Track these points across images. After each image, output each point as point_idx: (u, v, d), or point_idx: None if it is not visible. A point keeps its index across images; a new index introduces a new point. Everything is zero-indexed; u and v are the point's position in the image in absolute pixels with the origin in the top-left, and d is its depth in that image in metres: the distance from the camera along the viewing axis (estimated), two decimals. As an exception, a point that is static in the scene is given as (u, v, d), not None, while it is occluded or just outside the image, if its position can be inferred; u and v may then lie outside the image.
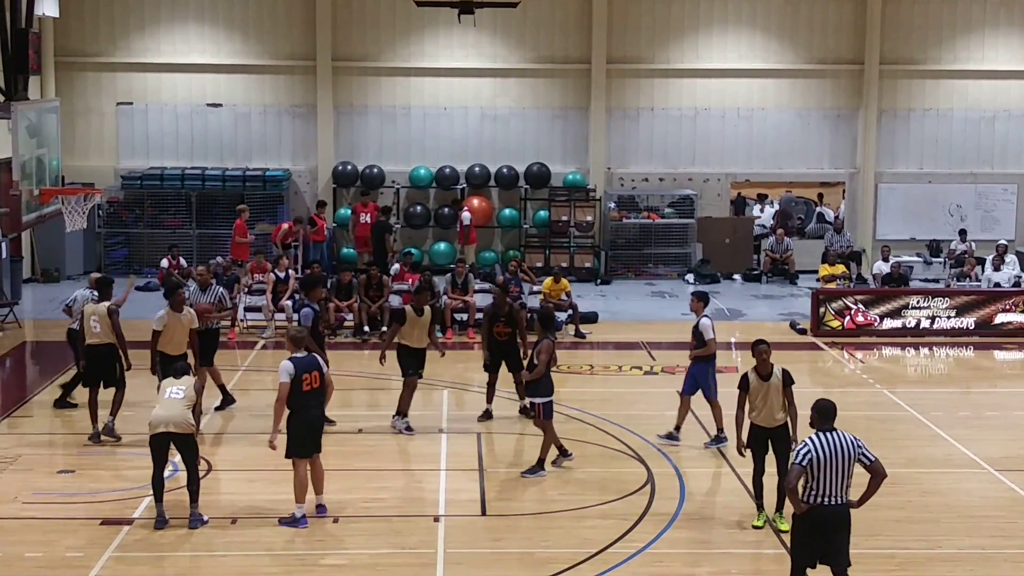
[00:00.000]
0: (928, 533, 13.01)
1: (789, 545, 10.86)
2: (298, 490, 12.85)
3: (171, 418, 12.73)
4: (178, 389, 12.92)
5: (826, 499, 10.14)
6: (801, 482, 10.19)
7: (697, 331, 15.93)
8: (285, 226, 26.64)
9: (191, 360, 15.57)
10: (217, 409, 17.14)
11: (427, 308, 16.71)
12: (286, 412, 12.79)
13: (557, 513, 13.48)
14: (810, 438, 10.28)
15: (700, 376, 15.98)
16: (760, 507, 12.96)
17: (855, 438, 10.30)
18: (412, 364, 16.53)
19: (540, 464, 14.70)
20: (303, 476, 12.86)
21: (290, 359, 12.90)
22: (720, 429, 15.83)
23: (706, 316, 16.09)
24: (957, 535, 13.00)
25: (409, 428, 16.34)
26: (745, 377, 13.02)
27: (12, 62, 20.21)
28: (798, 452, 10.27)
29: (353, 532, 12.82)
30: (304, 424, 12.86)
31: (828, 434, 10.24)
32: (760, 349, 13.10)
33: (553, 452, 14.88)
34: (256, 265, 23.97)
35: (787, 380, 12.88)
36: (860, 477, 10.24)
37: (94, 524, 12.94)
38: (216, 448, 15.41)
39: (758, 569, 12.01)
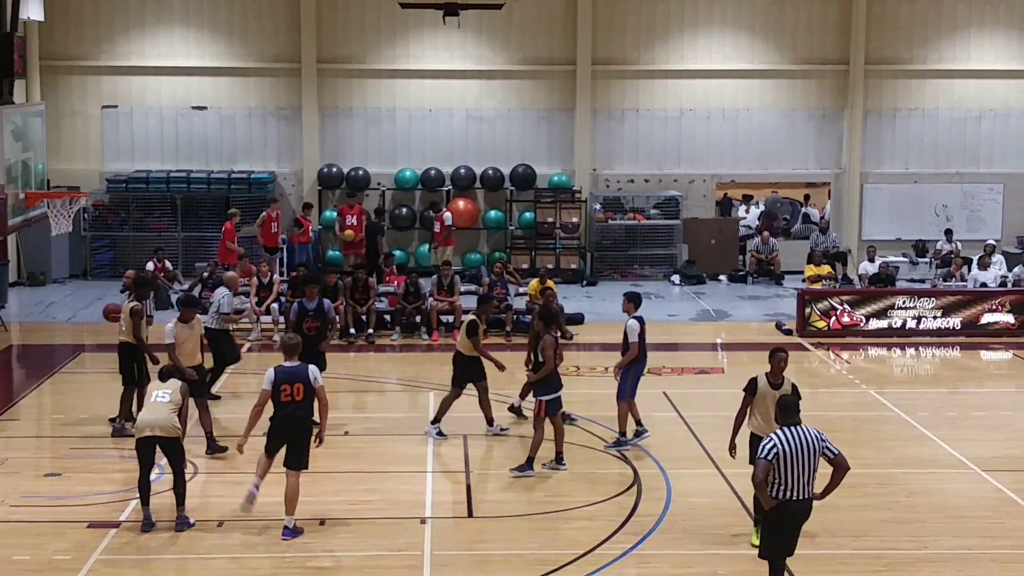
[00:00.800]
0: (915, 533, 13.04)
1: (761, 544, 10.89)
2: (257, 466, 12.83)
3: (156, 422, 12.70)
4: (164, 392, 12.90)
5: (793, 494, 10.28)
6: (768, 478, 10.27)
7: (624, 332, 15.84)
8: (263, 214, 26.47)
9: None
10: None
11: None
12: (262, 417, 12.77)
13: (544, 514, 13.49)
14: (775, 433, 10.44)
15: (623, 377, 15.82)
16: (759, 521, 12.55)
17: (818, 432, 10.44)
18: (469, 374, 16.22)
19: (529, 463, 14.71)
20: (263, 459, 12.79)
21: (274, 367, 12.85)
22: (622, 432, 15.85)
23: (635, 318, 15.93)
24: (944, 535, 13.03)
25: (441, 433, 16.23)
26: (754, 381, 12.74)
27: (-3, 66, 20.20)
28: (764, 447, 10.36)
29: (340, 534, 12.80)
30: (277, 423, 12.66)
31: (793, 429, 10.37)
32: (778, 357, 12.74)
33: (543, 454, 14.86)
34: (241, 269, 23.92)
35: (795, 395, 12.24)
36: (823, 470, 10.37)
37: (81, 527, 12.92)
38: (202, 451, 15.37)
39: (745, 570, 12.01)
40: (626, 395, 15.86)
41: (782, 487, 10.28)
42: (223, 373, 18.21)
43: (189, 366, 15.28)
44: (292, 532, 12.68)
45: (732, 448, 12.87)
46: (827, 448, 10.41)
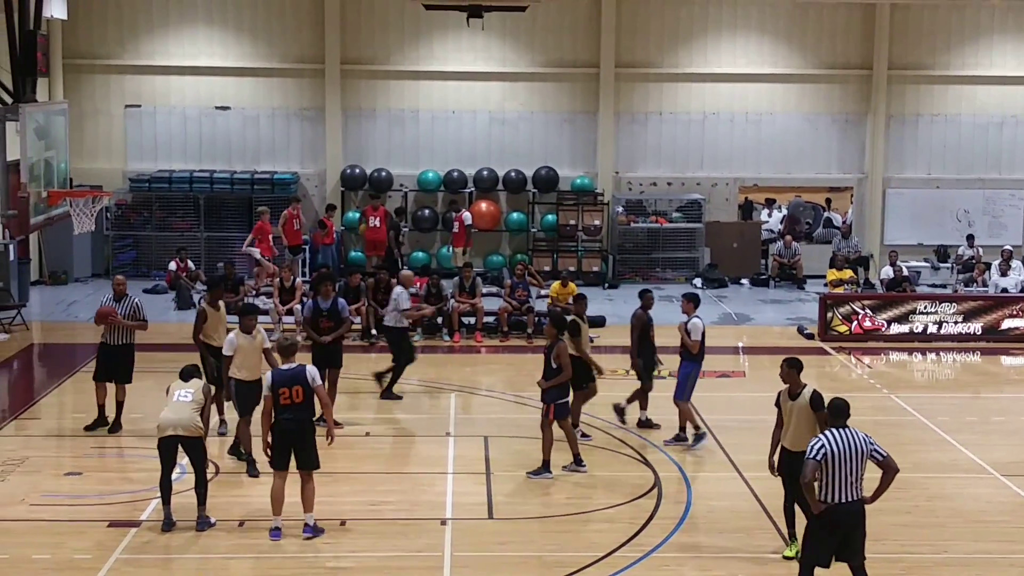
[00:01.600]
0: (934, 538, 13.00)
1: (803, 547, 10.84)
2: (272, 503, 12.69)
3: (179, 421, 12.74)
4: (186, 392, 12.93)
5: (841, 497, 10.24)
6: (816, 481, 10.22)
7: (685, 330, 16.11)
8: (285, 213, 26.54)
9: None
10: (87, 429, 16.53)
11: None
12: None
13: (564, 516, 13.49)
14: (824, 434, 10.40)
15: (681, 376, 16.03)
16: (792, 536, 12.30)
17: (866, 435, 10.43)
18: (579, 375, 15.68)
19: (546, 466, 14.70)
20: (275, 490, 12.68)
21: (272, 371, 12.91)
22: (682, 428, 16.13)
23: (697, 317, 16.23)
24: (963, 540, 12.98)
25: (584, 435, 16.11)
26: (778, 395, 12.45)
27: (20, 64, 20.24)
28: (812, 447, 10.31)
29: (360, 535, 12.82)
30: (277, 435, 12.67)
31: (841, 430, 10.36)
32: (782, 368, 12.43)
33: (561, 456, 14.85)
34: (262, 270, 24.04)
35: (815, 403, 11.98)
36: (870, 475, 10.27)
37: (102, 526, 12.96)
38: (223, 451, 15.40)
39: (766, 573, 11.99)
40: (685, 395, 15.94)
41: (829, 491, 10.26)
42: (401, 373, 18.34)
43: (249, 380, 14.70)
44: (313, 531, 12.71)
45: (772, 466, 12.38)
46: (875, 451, 10.41)
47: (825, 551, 10.47)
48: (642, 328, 16.89)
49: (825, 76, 30.38)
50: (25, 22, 20.28)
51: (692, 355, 16.13)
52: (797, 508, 12.02)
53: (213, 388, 14.03)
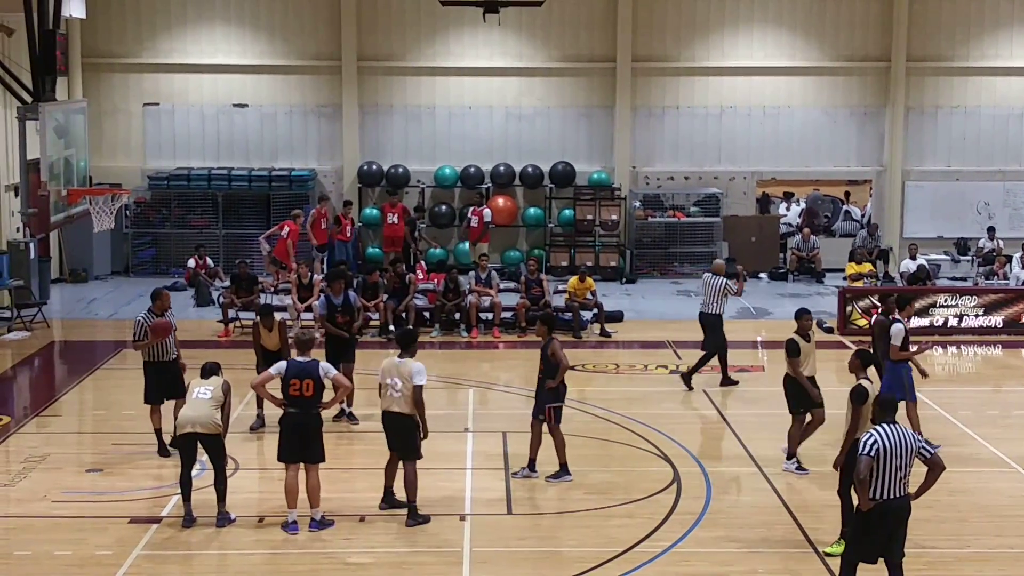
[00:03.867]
0: (956, 532, 12.95)
1: (848, 544, 10.80)
2: (286, 496, 12.77)
3: (198, 418, 12.77)
4: (205, 389, 12.95)
5: (889, 494, 10.26)
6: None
7: (886, 335, 15.24)
8: (313, 212, 26.62)
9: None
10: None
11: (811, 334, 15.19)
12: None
13: (583, 512, 13.48)
14: (875, 428, 10.38)
15: (895, 377, 15.17)
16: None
17: (914, 432, 10.47)
18: (797, 400, 14.86)
19: (564, 468, 14.59)
20: (288, 482, 12.76)
21: (287, 360, 13.03)
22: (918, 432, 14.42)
23: (898, 320, 15.40)
24: (986, 534, 12.93)
25: (801, 468, 14.83)
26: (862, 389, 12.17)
27: (40, 63, 20.35)
28: (865, 442, 10.28)
29: (379, 530, 12.83)
30: (285, 429, 12.79)
31: (891, 426, 10.36)
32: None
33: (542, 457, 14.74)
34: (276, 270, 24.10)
35: (854, 397, 11.95)
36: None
37: (123, 522, 13.00)
38: (243, 447, 15.44)
39: (786, 568, 11.96)
40: (908, 395, 15.28)
41: (878, 487, 10.25)
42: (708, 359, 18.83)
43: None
44: (320, 524, 12.78)
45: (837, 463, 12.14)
46: (923, 447, 10.41)
47: (872, 548, 10.46)
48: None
49: (843, 68, 30.27)
50: (44, 22, 20.39)
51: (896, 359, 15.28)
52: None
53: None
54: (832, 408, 18.09)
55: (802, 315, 15.21)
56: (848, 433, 11.92)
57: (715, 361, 20.85)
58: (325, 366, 12.97)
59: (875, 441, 10.24)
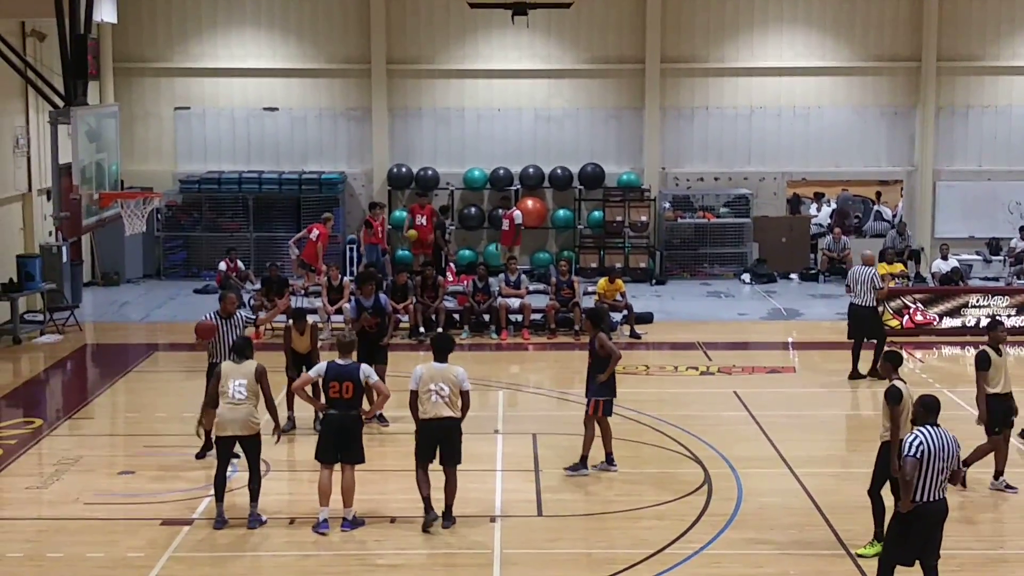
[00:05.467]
0: (989, 534, 12.88)
1: (885, 547, 10.76)
2: (319, 494, 12.85)
3: (237, 419, 12.83)
4: (241, 385, 12.87)
5: (929, 496, 10.21)
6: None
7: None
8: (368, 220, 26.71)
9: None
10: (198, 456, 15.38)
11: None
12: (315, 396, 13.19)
13: (613, 513, 13.46)
14: (920, 430, 10.34)
15: None
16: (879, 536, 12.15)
17: (954, 436, 10.44)
18: (997, 416, 14.12)
19: (583, 462, 14.67)
20: (322, 481, 12.84)
21: (328, 362, 13.06)
22: None
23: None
24: (1020, 536, 12.83)
25: (1009, 487, 14.17)
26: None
27: (71, 68, 20.43)
28: (910, 444, 10.23)
29: (410, 532, 12.85)
30: (325, 430, 12.92)
31: (935, 428, 10.32)
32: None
33: (594, 453, 14.83)
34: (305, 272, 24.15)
35: (889, 397, 11.98)
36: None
37: (154, 525, 13.06)
38: (274, 449, 15.47)
39: (818, 570, 11.91)
40: None
41: (920, 488, 10.19)
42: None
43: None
44: (352, 524, 12.83)
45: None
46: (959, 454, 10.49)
47: (910, 550, 10.40)
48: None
49: (873, 68, 30.14)
50: (76, 26, 20.47)
51: None
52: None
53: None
54: (866, 410, 18.07)
55: (995, 327, 14.37)
56: (892, 435, 11.84)
57: (745, 361, 20.85)
58: (367, 370, 13.02)
59: (920, 443, 10.19)
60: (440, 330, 12.96)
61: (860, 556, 12.05)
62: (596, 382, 14.53)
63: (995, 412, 13.94)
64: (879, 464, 12.07)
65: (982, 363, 13.91)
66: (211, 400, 13.23)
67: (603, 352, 14.45)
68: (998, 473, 14.17)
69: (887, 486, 12.02)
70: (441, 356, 13.09)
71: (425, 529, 12.78)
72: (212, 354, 15.14)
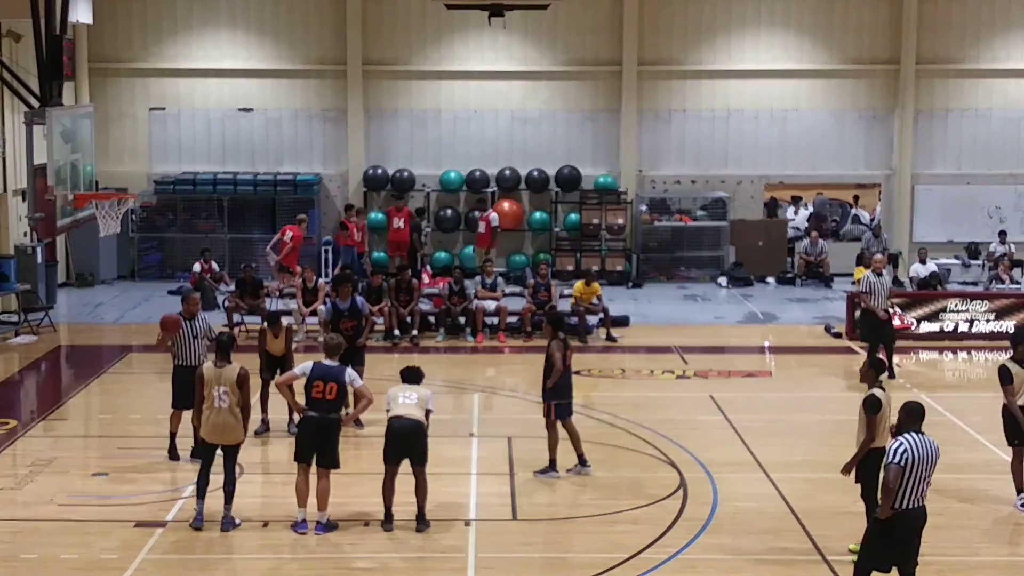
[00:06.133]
0: (967, 540, 12.85)
1: (861, 551, 10.70)
2: (297, 495, 12.81)
3: (219, 426, 12.85)
4: (224, 392, 12.85)
5: (910, 503, 10.18)
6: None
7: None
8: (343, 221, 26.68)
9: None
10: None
11: None
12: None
13: (588, 517, 13.41)
14: (905, 437, 10.28)
15: None
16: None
17: (937, 445, 10.39)
18: (1013, 431, 13.79)
19: (552, 464, 14.68)
20: (299, 482, 12.78)
21: (314, 362, 13.04)
22: None
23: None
24: (998, 542, 12.84)
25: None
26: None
27: (47, 68, 20.31)
28: (895, 451, 10.17)
29: (384, 536, 12.77)
30: (303, 431, 12.84)
31: (918, 436, 10.29)
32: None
33: (566, 457, 14.80)
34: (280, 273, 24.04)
35: (866, 406, 12.03)
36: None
37: (128, 526, 12.98)
38: (248, 452, 15.37)
39: (792, 574, 11.88)
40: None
41: (901, 495, 10.15)
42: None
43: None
44: (326, 527, 12.78)
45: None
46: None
47: (889, 556, 10.37)
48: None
49: (851, 71, 30.19)
50: (51, 27, 20.34)
51: None
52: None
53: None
54: (842, 415, 18.02)
55: (1022, 341, 13.82)
56: (864, 442, 11.88)
57: (721, 365, 20.85)
58: (352, 373, 13.05)
59: (905, 450, 10.15)
60: (409, 365, 13.05)
61: (853, 551, 12.09)
62: (547, 386, 14.63)
63: (1015, 426, 13.67)
64: (866, 470, 11.99)
65: (1004, 378, 13.67)
66: (199, 404, 13.12)
67: (550, 360, 14.58)
68: (1021, 489, 13.78)
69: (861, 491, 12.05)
70: (410, 384, 13.27)
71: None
72: (176, 355, 15.10)
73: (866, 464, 11.92)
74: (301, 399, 13.03)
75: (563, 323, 15.44)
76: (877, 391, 12.08)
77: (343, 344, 13.48)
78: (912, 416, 10.43)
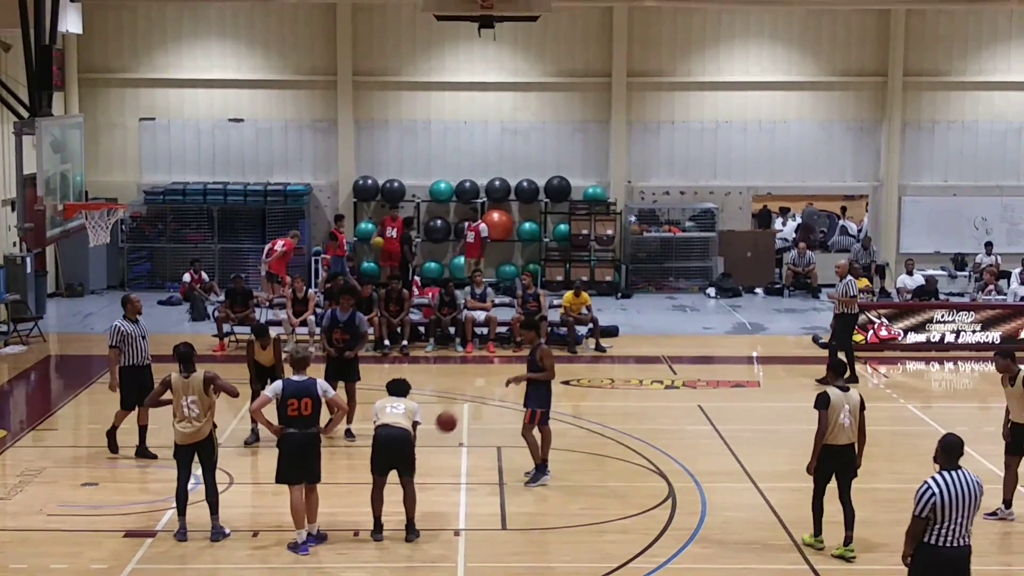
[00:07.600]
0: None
1: None
2: (293, 517, 12.72)
3: (188, 434, 12.87)
4: (192, 402, 12.91)
5: (949, 541, 9.61)
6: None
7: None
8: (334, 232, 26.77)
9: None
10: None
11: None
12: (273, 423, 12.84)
13: (577, 527, 13.45)
14: (934, 479, 9.68)
15: None
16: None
17: (977, 478, 9.90)
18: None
19: (540, 468, 14.82)
20: (295, 502, 12.70)
21: (283, 380, 12.93)
22: None
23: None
24: (985, 553, 12.85)
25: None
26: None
27: (36, 78, 20.29)
28: (919, 498, 9.59)
29: (373, 546, 12.80)
30: (286, 449, 12.70)
31: (954, 473, 9.72)
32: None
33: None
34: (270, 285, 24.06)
35: (862, 404, 12.53)
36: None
37: (118, 536, 12.99)
38: (237, 461, 15.42)
39: (781, 584, 11.96)
40: None
41: (940, 533, 9.58)
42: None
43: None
44: (316, 539, 12.80)
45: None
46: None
47: None
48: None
49: (839, 83, 30.30)
50: (41, 37, 20.33)
51: None
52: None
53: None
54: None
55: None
56: (815, 437, 12.47)
57: (710, 375, 20.92)
58: (323, 384, 12.95)
59: (932, 496, 9.53)
60: (396, 378, 13.10)
61: (806, 543, 12.49)
62: (533, 390, 14.81)
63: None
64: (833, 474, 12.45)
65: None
66: (151, 401, 13.89)
67: (541, 363, 14.70)
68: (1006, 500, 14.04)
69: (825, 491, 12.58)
70: (396, 397, 13.29)
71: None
72: (123, 356, 15.84)
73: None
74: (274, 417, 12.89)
75: (539, 327, 15.53)
76: (831, 389, 12.55)
77: (309, 358, 13.24)
78: (947, 451, 9.81)
